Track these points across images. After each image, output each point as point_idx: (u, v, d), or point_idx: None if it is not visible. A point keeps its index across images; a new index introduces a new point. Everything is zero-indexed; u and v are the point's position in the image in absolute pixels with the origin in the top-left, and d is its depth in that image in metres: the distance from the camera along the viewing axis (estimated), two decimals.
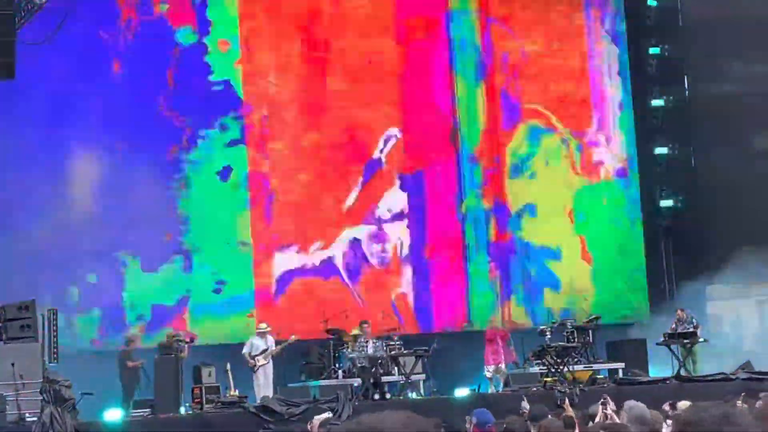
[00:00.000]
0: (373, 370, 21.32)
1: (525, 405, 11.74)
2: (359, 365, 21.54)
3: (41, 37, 20.29)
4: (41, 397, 17.49)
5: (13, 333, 18.93)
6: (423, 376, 22.61)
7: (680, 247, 28.50)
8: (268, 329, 21.96)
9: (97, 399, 19.00)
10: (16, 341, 18.86)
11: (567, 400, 15.94)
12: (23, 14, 19.85)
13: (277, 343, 21.79)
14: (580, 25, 28.65)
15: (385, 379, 21.67)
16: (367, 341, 21.83)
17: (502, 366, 23.21)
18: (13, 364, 17.88)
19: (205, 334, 23.64)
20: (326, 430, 9.80)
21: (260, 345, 21.52)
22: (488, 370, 23.27)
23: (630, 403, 9.22)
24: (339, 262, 25.95)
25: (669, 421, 9.50)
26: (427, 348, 22.38)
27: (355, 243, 26.15)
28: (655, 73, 29.21)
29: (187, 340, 20.83)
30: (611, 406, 12.11)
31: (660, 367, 23.80)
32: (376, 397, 20.90)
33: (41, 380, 17.82)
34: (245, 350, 21.52)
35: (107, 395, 20.07)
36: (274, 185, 25.64)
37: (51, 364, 19.17)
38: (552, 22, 28.37)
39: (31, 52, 20.52)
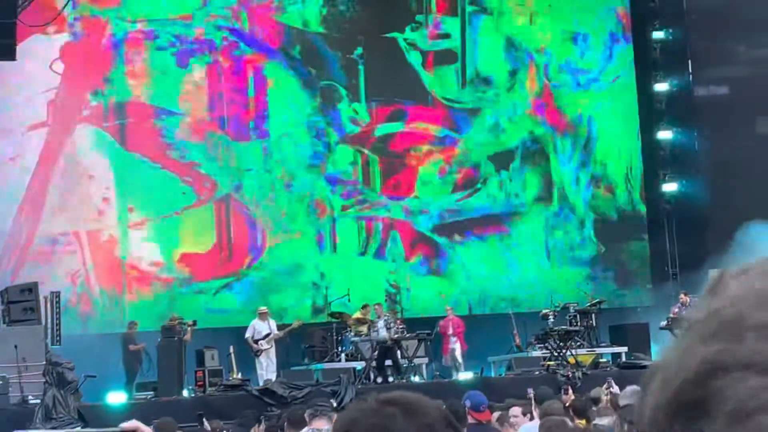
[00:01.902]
0: (389, 351, 21.26)
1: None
2: (376, 345, 21.40)
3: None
4: (44, 380, 17.50)
5: (16, 315, 18.94)
6: (426, 360, 22.62)
7: (683, 231, 28.46)
8: (267, 311, 21.93)
9: (100, 381, 19.05)
10: (19, 324, 18.87)
11: (570, 389, 15.95)
12: None
13: (279, 327, 21.72)
14: None
15: (388, 362, 21.62)
16: (379, 320, 21.71)
17: (457, 354, 23.05)
18: (16, 347, 17.88)
19: None
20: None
21: (263, 329, 21.44)
22: (444, 359, 23.09)
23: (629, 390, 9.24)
24: None
25: None
26: (429, 331, 22.37)
27: None
28: (659, 57, 29.15)
29: (190, 323, 20.82)
30: (614, 389, 12.14)
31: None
32: (379, 380, 20.89)
33: (44, 362, 17.83)
34: (248, 334, 21.41)
35: (110, 378, 20.11)
36: None
37: (54, 347, 19.18)
38: None
39: None
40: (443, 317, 23.94)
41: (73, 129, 24.01)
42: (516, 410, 9.86)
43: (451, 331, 22.93)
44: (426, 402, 2.13)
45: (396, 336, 21.63)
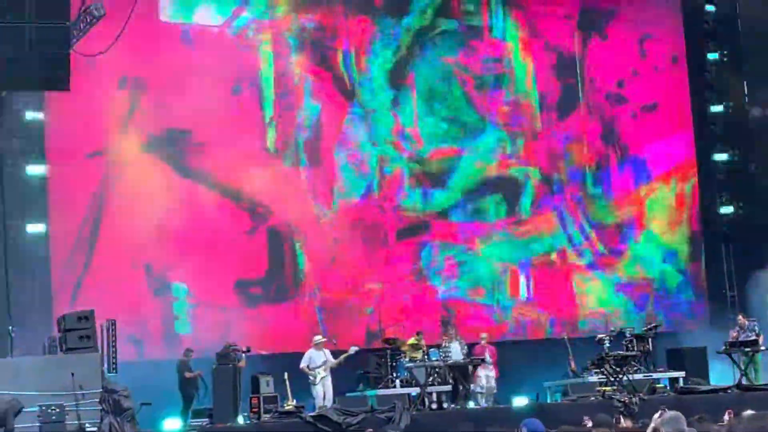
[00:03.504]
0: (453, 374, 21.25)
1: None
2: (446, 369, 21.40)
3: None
4: (101, 407, 17.60)
5: (72, 343, 19.03)
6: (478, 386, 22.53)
7: (741, 253, 28.20)
8: (323, 341, 21.89)
9: (155, 408, 19.12)
10: (76, 351, 18.96)
11: (621, 417, 15.81)
12: (81, 26, 19.99)
13: (335, 354, 21.64)
14: None
15: (442, 388, 21.54)
16: (449, 345, 21.71)
17: (492, 383, 22.85)
18: (72, 374, 17.97)
19: None
20: None
21: (318, 358, 21.39)
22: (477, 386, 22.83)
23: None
24: None
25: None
26: (483, 357, 22.28)
27: None
28: (713, 79, 28.97)
29: (244, 349, 20.84)
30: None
31: (721, 376, 23.51)
32: (434, 407, 20.81)
33: (101, 390, 17.92)
34: (303, 364, 21.33)
35: (166, 405, 20.18)
36: None
37: (110, 374, 19.28)
38: None
39: None
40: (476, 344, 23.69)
41: (131, 156, 24.15)
42: None
43: (489, 359, 22.79)
44: None
45: (450, 362, 21.56)
